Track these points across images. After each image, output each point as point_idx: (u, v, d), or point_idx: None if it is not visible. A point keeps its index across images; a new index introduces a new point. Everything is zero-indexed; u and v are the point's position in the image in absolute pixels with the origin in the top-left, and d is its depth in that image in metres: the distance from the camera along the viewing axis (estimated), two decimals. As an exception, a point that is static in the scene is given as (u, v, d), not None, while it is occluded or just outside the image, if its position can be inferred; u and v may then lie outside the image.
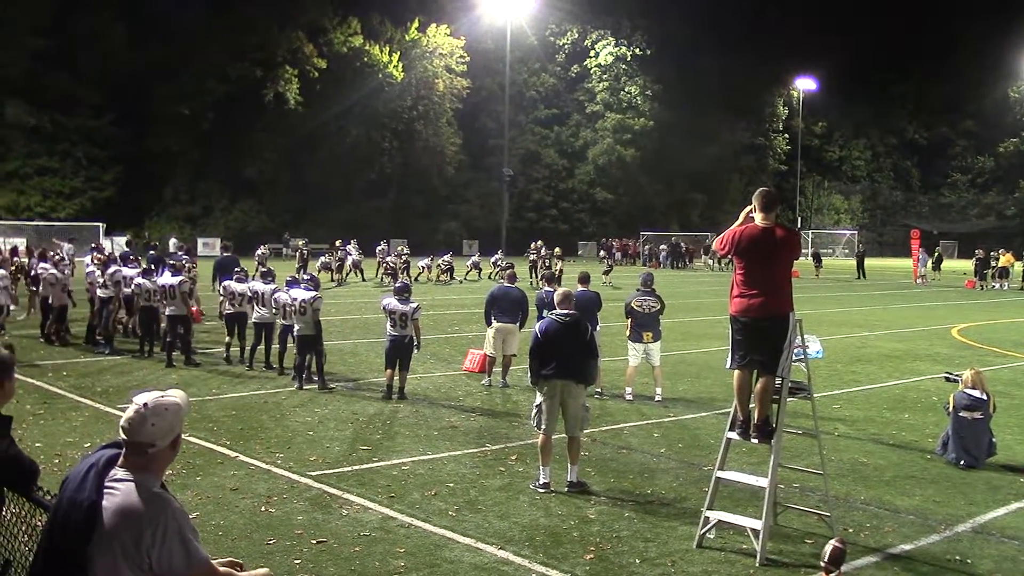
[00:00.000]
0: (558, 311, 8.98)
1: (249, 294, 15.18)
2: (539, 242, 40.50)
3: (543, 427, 8.73)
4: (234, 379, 14.15)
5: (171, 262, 17.11)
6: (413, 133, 70.76)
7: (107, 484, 3.17)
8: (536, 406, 8.87)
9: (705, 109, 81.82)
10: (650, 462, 9.82)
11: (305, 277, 14.74)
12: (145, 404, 3.21)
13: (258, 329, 15.06)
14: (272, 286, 14.95)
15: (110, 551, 3.10)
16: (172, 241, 48.14)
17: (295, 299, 13.49)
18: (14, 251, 28.92)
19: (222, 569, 3.28)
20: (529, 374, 9.04)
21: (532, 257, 38.90)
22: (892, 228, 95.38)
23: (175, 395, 3.34)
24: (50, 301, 17.40)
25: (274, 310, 14.45)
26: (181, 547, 3.13)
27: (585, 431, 9.28)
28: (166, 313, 15.55)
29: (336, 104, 65.15)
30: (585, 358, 8.85)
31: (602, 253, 54.05)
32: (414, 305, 12.86)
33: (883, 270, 48.82)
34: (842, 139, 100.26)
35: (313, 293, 13.59)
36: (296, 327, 13.52)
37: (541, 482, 8.65)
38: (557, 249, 38.51)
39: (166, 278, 15.66)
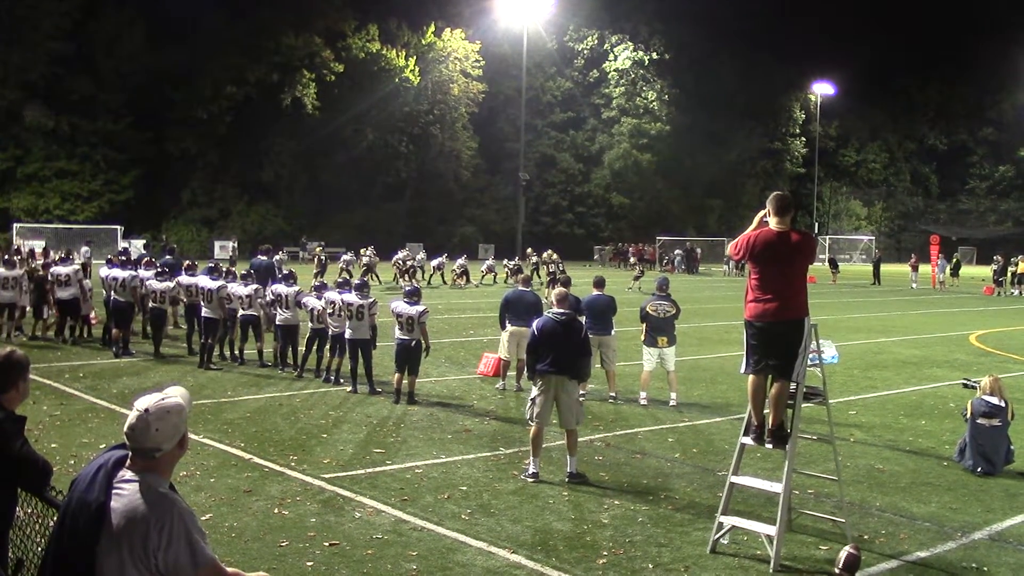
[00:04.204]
0: (555, 310, 9.50)
1: (272, 297, 15.27)
2: (550, 251, 41.78)
3: (536, 419, 9.17)
4: (249, 382, 14.20)
5: (209, 265, 17.17)
6: (429, 137, 70.79)
7: (115, 485, 3.18)
8: (531, 399, 9.32)
9: (722, 114, 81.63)
10: (664, 467, 9.79)
11: (356, 282, 14.77)
12: (147, 409, 3.20)
13: (282, 331, 15.12)
14: (295, 288, 15.01)
15: (118, 551, 3.11)
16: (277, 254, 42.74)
17: (350, 304, 13.51)
18: (31, 253, 29.04)
19: (229, 570, 3.28)
20: (526, 370, 9.63)
21: (534, 260, 41.65)
22: (910, 234, 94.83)
23: (175, 394, 3.33)
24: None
25: (315, 314, 14.49)
26: (187, 548, 3.14)
27: (582, 424, 9.69)
28: (203, 315, 15.63)
29: (353, 108, 65.29)
30: (579, 355, 9.31)
31: (632, 260, 53.64)
32: (421, 308, 12.84)
33: (905, 275, 48.45)
34: (858, 143, 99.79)
35: (371, 299, 13.61)
36: (347, 332, 13.52)
37: (530, 471, 9.10)
38: (530, 249, 41.47)
39: (204, 281, 15.73)
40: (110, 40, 57.87)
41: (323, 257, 36.98)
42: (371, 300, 13.55)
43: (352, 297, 13.57)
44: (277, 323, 15.14)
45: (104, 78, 58.08)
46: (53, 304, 17.84)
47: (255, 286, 15.67)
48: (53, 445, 9.60)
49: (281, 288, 15.14)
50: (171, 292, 16.54)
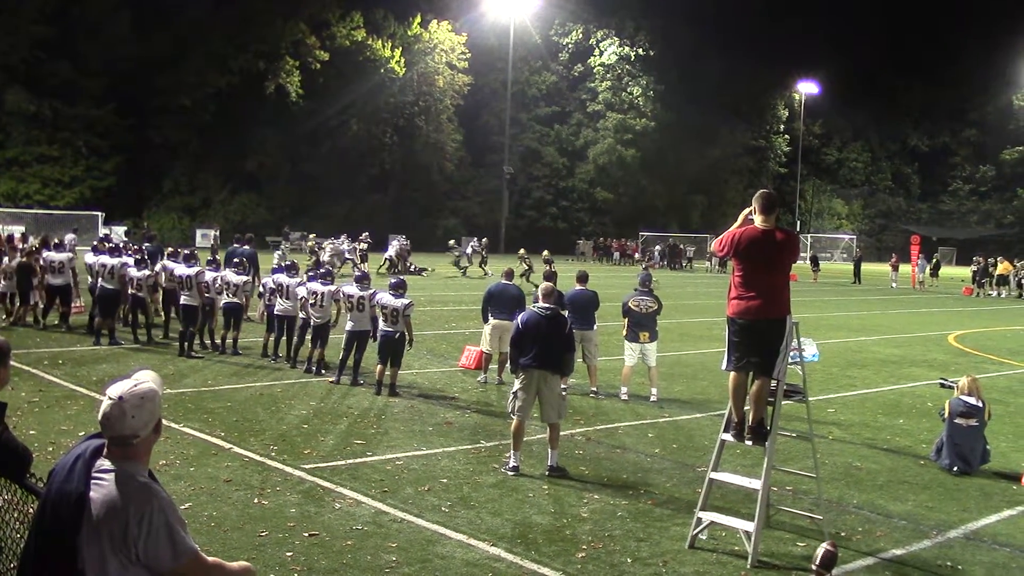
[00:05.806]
0: (540, 304, 9.49)
1: (273, 286, 15.17)
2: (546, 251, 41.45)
3: (517, 413, 9.20)
4: (230, 371, 14.15)
5: (185, 252, 17.06)
6: (414, 129, 70.57)
7: (94, 475, 3.16)
8: (513, 393, 9.35)
9: (706, 110, 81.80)
10: (644, 462, 9.82)
11: (358, 274, 14.68)
12: (121, 397, 3.17)
13: (280, 322, 15.02)
14: (297, 279, 14.94)
15: (98, 541, 3.10)
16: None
17: (350, 295, 13.45)
18: (10, 238, 28.71)
19: (210, 559, 3.27)
20: (509, 363, 9.72)
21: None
22: (891, 234, 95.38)
23: (147, 379, 3.29)
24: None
25: (313, 303, 14.37)
26: (168, 538, 3.13)
27: (564, 418, 9.75)
28: (181, 303, 15.55)
29: (338, 98, 65.03)
30: (563, 350, 9.35)
31: (647, 256, 50.06)
32: (406, 301, 12.81)
33: (885, 274, 48.71)
34: (840, 141, 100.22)
35: (371, 290, 13.53)
36: (349, 324, 13.46)
37: (511, 465, 9.12)
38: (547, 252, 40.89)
39: (181, 268, 15.64)
40: (94, 25, 57.31)
41: (317, 251, 35.74)
42: (372, 291, 13.50)
43: (353, 289, 13.54)
44: (276, 313, 15.06)
45: (87, 63, 57.52)
46: (43, 288, 17.74)
47: (246, 277, 15.64)
48: (31, 431, 9.54)
49: (283, 278, 15.05)
50: (149, 280, 16.47)
